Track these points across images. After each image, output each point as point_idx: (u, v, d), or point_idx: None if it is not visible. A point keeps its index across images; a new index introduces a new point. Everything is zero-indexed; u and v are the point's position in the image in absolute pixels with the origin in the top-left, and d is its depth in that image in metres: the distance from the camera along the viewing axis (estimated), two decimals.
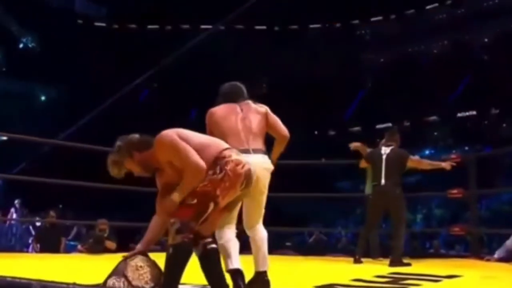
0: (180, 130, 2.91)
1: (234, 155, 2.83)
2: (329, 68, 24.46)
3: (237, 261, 3.10)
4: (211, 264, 2.80)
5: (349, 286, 3.85)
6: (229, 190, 2.76)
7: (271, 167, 3.36)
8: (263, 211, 3.41)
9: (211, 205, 2.74)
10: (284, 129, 3.55)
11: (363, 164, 6.19)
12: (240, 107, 3.46)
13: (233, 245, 3.17)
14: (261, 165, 3.22)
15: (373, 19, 27.29)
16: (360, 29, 28.08)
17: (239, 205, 3.13)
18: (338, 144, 23.82)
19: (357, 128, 25.01)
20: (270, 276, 3.30)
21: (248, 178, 2.81)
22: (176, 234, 2.73)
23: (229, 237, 3.19)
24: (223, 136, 3.19)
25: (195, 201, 2.73)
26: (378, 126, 25.09)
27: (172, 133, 2.86)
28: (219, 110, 3.42)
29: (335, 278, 4.26)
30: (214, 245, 2.84)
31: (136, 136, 2.96)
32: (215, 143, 2.91)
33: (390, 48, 26.81)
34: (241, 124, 3.36)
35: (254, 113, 3.44)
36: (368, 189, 6.30)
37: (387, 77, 25.30)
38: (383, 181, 5.47)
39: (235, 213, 3.05)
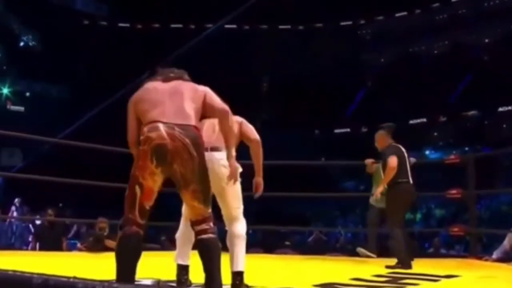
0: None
1: (146, 131, 2.58)
2: (330, 67, 24.47)
3: (182, 256, 3.31)
4: (208, 254, 2.65)
5: (348, 285, 3.86)
6: (142, 168, 2.55)
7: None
8: (231, 205, 3.28)
9: (137, 189, 2.56)
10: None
11: (371, 169, 6.17)
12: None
13: (181, 241, 3.36)
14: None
15: (373, 18, 27.30)
16: (361, 29, 28.09)
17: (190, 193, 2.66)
18: (338, 143, 23.94)
19: (358, 128, 25.04)
20: (269, 274, 3.29)
21: (156, 153, 2.53)
22: (120, 230, 2.63)
23: (178, 234, 3.41)
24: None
25: (127, 192, 2.60)
26: (379, 126, 25.19)
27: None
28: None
29: (334, 277, 4.28)
30: (210, 235, 2.64)
31: None
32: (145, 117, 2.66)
33: (390, 48, 26.82)
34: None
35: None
36: (374, 189, 6.18)
37: (387, 76, 25.31)
38: (410, 179, 5.36)
39: (190, 208, 2.69)
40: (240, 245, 3.24)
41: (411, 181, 5.34)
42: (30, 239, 10.68)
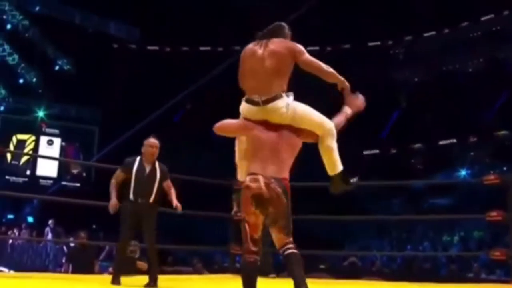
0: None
1: (248, 181, 3.30)
2: (363, 88, 24.28)
3: None
4: (291, 265, 3.25)
5: None
6: (246, 210, 3.29)
7: (289, 109, 3.42)
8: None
9: (246, 226, 3.29)
10: (318, 67, 3.83)
11: None
12: (261, 45, 3.52)
13: None
14: (276, 113, 3.40)
15: (406, 38, 27.10)
16: (394, 49, 27.90)
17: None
18: (372, 164, 23.66)
19: (393, 149, 24.75)
20: None
21: (257, 200, 3.25)
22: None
23: None
24: (242, 78, 3.52)
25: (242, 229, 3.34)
26: (414, 146, 24.81)
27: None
28: (242, 52, 3.62)
29: None
30: (290, 251, 3.27)
31: None
32: (249, 166, 3.41)
33: (424, 67, 26.53)
34: (258, 67, 3.44)
35: (272, 54, 3.46)
36: None
37: (422, 96, 24.99)
38: None
39: (276, 238, 3.37)
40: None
41: None
42: (63, 260, 10.75)
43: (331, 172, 3.66)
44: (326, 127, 3.59)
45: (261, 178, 3.26)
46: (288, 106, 3.43)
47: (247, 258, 3.27)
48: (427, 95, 24.41)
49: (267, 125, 3.42)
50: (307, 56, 3.64)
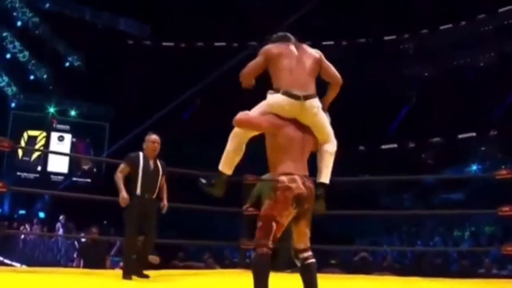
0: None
1: (287, 182, 3.30)
2: (373, 83, 24.19)
3: None
4: (312, 275, 3.34)
5: None
6: (282, 211, 3.29)
7: (319, 111, 3.58)
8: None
9: (274, 224, 3.29)
10: (337, 74, 3.80)
11: None
12: (296, 46, 3.65)
13: None
14: (311, 110, 3.50)
15: (416, 32, 26.94)
16: (404, 43, 27.76)
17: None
18: (383, 160, 23.59)
19: (402, 144, 24.65)
20: None
21: (298, 200, 3.30)
22: (254, 252, 3.34)
23: None
24: (279, 73, 3.52)
25: (260, 223, 3.32)
26: (425, 141, 24.69)
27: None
28: (275, 48, 3.63)
29: None
30: (311, 260, 3.35)
31: None
32: (281, 165, 3.39)
33: (434, 61, 26.38)
34: (296, 65, 3.55)
35: (308, 56, 3.63)
36: None
37: (432, 91, 24.85)
38: None
39: (302, 235, 3.45)
40: None
41: None
42: (75, 255, 10.81)
43: (325, 179, 3.65)
44: (333, 138, 3.76)
45: (297, 177, 3.33)
46: (319, 107, 3.57)
47: (264, 251, 3.26)
48: (437, 90, 24.26)
49: (295, 123, 3.47)
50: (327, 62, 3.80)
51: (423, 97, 25.28)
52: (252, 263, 3.35)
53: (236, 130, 3.56)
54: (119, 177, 5.44)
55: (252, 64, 3.64)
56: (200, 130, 21.13)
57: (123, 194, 5.34)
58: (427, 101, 24.48)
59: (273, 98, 3.49)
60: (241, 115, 3.46)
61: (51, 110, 22.02)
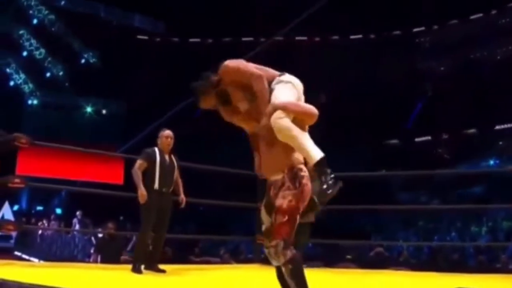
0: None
1: (306, 171, 3.00)
2: (389, 77, 24.05)
3: None
4: (299, 271, 2.95)
5: None
6: (303, 204, 2.96)
7: None
8: None
9: (298, 218, 2.96)
10: None
11: None
12: None
13: None
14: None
15: (432, 26, 26.74)
16: (419, 37, 27.55)
17: None
18: (399, 154, 23.45)
19: (419, 138, 24.52)
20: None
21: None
22: (285, 250, 2.91)
23: None
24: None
25: (286, 218, 2.91)
26: (441, 136, 24.52)
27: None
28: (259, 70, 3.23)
29: None
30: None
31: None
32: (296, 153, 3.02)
33: (450, 55, 26.16)
34: None
35: None
36: None
37: (448, 85, 24.66)
38: None
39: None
40: None
41: None
42: (92, 251, 10.89)
43: (310, 159, 3.02)
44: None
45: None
46: None
47: (296, 252, 2.97)
48: (453, 84, 24.08)
49: None
50: None
51: (438, 91, 25.09)
52: (293, 264, 2.93)
53: (287, 124, 2.94)
54: (137, 173, 5.48)
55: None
56: (213, 125, 21.14)
57: (142, 190, 5.37)
58: (443, 95, 24.30)
59: (290, 76, 3.22)
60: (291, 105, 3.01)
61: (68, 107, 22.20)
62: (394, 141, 25.02)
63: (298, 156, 3.03)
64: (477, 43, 25.31)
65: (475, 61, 25.74)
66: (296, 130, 2.94)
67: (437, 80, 25.80)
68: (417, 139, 24.64)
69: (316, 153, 2.92)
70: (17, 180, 5.61)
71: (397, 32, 26.58)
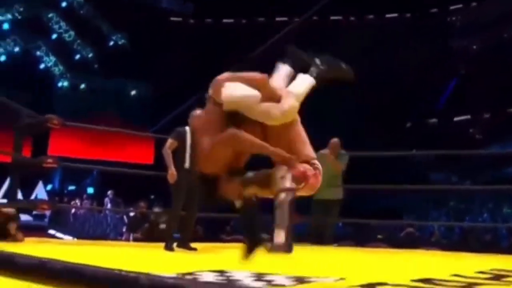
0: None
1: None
2: (421, 56, 23.67)
3: None
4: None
5: (448, 281, 3.62)
6: (310, 184, 2.91)
7: None
8: None
9: (301, 186, 2.86)
10: None
11: None
12: None
13: None
14: None
15: (464, 4, 26.16)
16: (451, 15, 27.00)
17: None
18: (430, 134, 23.15)
19: (450, 118, 24.15)
20: (365, 268, 3.22)
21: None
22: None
23: None
24: None
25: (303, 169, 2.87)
26: (472, 116, 24.10)
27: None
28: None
29: (433, 272, 4.07)
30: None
31: None
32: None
33: (483, 34, 25.60)
34: None
35: None
36: None
37: (480, 64, 24.17)
38: None
39: None
40: None
41: None
42: (124, 229, 11.06)
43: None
44: None
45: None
46: None
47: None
48: (485, 64, 23.59)
49: None
50: None
51: (471, 71, 24.62)
52: None
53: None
54: (168, 152, 5.51)
55: None
56: None
57: (172, 170, 5.41)
58: (475, 75, 23.84)
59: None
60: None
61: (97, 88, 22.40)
62: (432, 120, 24.69)
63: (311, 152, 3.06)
64: (510, 22, 24.70)
65: (508, 40, 25.17)
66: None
67: (470, 59, 25.32)
68: (448, 119, 24.28)
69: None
70: (50, 160, 5.70)
71: (434, 10, 26.07)
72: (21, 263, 1.35)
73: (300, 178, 2.85)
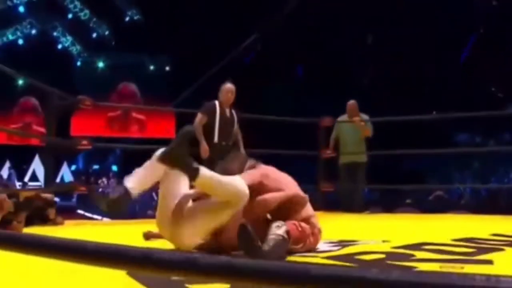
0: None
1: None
2: (439, 13, 23.15)
3: None
4: None
5: (489, 240, 3.63)
6: (308, 244, 3.11)
7: None
8: None
9: (300, 245, 3.03)
10: None
11: None
12: None
13: None
14: None
15: None
16: None
17: None
18: (451, 95, 22.81)
19: (471, 77, 23.72)
20: (408, 229, 3.24)
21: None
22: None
23: None
24: None
25: (301, 229, 3.04)
26: (494, 74, 23.68)
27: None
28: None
29: (473, 232, 4.10)
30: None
31: None
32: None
33: None
34: None
35: None
36: None
37: (501, 20, 23.64)
38: None
39: None
40: None
41: None
42: (153, 205, 11.13)
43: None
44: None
45: None
46: None
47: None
48: (507, 19, 23.08)
49: None
50: None
51: (491, 26, 24.11)
52: None
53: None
54: (199, 128, 5.52)
55: None
56: (262, 74, 20.99)
57: (204, 145, 5.43)
58: (496, 31, 23.36)
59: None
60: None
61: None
62: (448, 80, 24.28)
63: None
64: None
65: None
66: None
67: (490, 15, 24.78)
68: (469, 78, 23.86)
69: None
70: (85, 142, 5.76)
71: None
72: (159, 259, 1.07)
73: (298, 238, 2.99)
